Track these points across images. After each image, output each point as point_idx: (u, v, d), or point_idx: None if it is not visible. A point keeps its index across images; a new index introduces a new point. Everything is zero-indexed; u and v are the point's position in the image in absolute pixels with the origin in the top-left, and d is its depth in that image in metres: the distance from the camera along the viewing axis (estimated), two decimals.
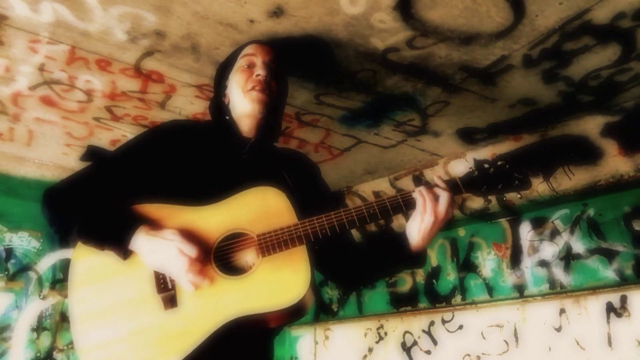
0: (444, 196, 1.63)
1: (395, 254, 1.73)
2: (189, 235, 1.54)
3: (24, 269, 3.63)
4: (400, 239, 1.70)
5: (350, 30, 2.05)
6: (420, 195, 1.62)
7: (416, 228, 1.65)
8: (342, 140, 3.09)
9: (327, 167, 3.45)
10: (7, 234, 3.62)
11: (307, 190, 1.80)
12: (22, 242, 3.66)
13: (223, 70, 1.97)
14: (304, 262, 1.55)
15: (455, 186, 1.67)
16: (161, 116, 2.72)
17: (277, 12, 1.96)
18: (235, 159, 1.77)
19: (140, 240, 1.53)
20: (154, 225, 1.57)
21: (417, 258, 1.71)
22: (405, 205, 1.64)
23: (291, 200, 1.63)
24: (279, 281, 1.53)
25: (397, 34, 2.07)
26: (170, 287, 1.53)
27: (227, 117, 1.85)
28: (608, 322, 2.91)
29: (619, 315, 2.88)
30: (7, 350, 3.43)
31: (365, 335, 4.24)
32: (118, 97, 2.58)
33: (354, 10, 1.93)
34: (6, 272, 3.55)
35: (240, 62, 1.88)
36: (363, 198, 3.89)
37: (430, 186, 1.65)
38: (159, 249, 1.51)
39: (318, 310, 4.73)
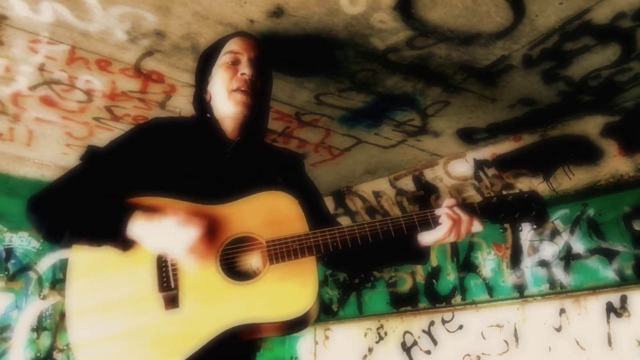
0: (467, 220, 1.63)
1: (401, 251, 1.73)
2: (192, 215, 1.46)
3: (24, 269, 3.63)
4: (408, 238, 1.68)
5: (350, 30, 2.05)
6: (449, 219, 1.61)
7: (432, 239, 1.66)
8: (342, 140, 3.08)
9: (327, 167, 3.45)
10: (7, 234, 3.62)
11: (297, 189, 1.75)
12: (22, 242, 3.66)
13: (205, 62, 1.86)
14: (312, 274, 1.51)
15: (473, 211, 1.66)
16: (161, 116, 2.72)
17: (277, 12, 1.96)
18: (219, 159, 1.71)
19: (139, 225, 1.46)
20: (152, 210, 1.49)
21: (422, 254, 1.73)
22: (421, 225, 1.63)
23: (302, 207, 1.60)
24: (285, 292, 1.49)
25: (397, 34, 2.06)
26: (173, 286, 1.47)
27: (209, 115, 1.77)
28: (608, 322, 2.91)
29: (619, 315, 2.88)
30: (7, 350, 3.43)
31: (365, 335, 4.24)
32: (118, 97, 2.58)
33: (354, 10, 1.93)
34: (6, 272, 3.55)
35: (224, 58, 1.77)
36: (363, 198, 3.90)
37: (458, 208, 1.64)
38: (161, 227, 1.44)
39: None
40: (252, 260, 1.55)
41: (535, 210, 1.67)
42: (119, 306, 1.47)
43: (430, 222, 1.63)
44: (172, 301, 1.47)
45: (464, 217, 1.62)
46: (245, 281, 1.50)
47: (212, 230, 1.51)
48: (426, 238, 1.67)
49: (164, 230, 1.44)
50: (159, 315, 1.46)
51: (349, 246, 1.56)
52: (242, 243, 1.55)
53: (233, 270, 1.53)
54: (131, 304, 1.47)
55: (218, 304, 1.47)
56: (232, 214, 1.57)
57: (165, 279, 1.48)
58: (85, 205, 1.53)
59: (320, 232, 1.55)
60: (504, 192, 1.75)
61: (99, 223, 1.49)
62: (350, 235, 1.57)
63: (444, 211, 1.62)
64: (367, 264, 1.90)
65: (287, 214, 1.58)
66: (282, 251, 1.51)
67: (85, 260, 1.52)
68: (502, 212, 1.67)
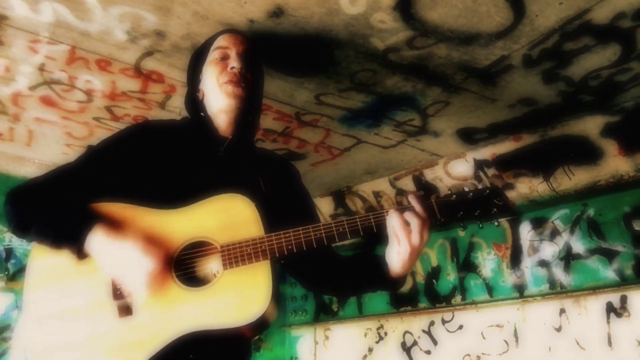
0: (415, 223, 1.50)
1: (375, 276, 1.65)
2: (150, 242, 1.47)
3: (24, 269, 3.62)
4: (381, 262, 1.61)
5: (350, 30, 2.05)
6: (390, 226, 1.51)
7: (394, 257, 1.55)
8: (342, 140, 3.09)
9: (327, 167, 3.45)
10: (7, 234, 3.61)
11: (281, 195, 1.74)
12: (22, 242, 3.66)
13: (196, 62, 1.87)
14: (266, 278, 1.49)
15: (430, 210, 1.55)
16: (161, 116, 2.72)
17: (277, 12, 1.96)
18: (212, 157, 1.70)
19: (97, 242, 1.45)
20: (114, 226, 1.49)
21: (396, 283, 1.64)
22: (377, 227, 1.53)
23: (260, 209, 1.56)
24: (239, 297, 1.47)
25: (397, 34, 2.06)
26: (126, 294, 1.48)
27: (202, 114, 1.77)
28: (608, 322, 2.92)
29: (619, 315, 2.89)
30: (7, 350, 3.43)
31: (365, 335, 4.24)
32: (118, 97, 2.58)
33: (354, 10, 1.93)
34: (6, 272, 3.55)
35: (214, 55, 1.78)
36: (363, 198, 3.90)
37: (402, 209, 1.53)
38: (117, 255, 1.44)
39: (318, 310, 4.73)
40: (207, 265, 1.52)
41: (496, 207, 1.55)
42: (74, 314, 1.47)
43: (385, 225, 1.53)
44: (125, 309, 1.46)
45: (408, 218, 1.50)
46: (200, 287, 1.48)
47: (167, 242, 1.50)
48: (391, 257, 1.56)
49: (120, 260, 1.44)
50: (113, 323, 1.45)
51: (304, 249, 1.51)
52: (198, 248, 1.53)
53: (188, 275, 1.51)
54: (86, 312, 1.47)
55: (171, 311, 1.46)
56: (188, 218, 1.55)
57: (119, 287, 1.48)
58: (53, 207, 1.53)
59: (275, 236, 1.51)
60: (465, 189, 1.63)
61: (61, 227, 1.49)
62: (306, 238, 1.51)
63: (388, 215, 1.51)
64: (343, 287, 1.82)
65: (244, 217, 1.54)
66: (236, 256, 1.49)
67: (42, 268, 1.53)
68: (461, 209, 1.56)
